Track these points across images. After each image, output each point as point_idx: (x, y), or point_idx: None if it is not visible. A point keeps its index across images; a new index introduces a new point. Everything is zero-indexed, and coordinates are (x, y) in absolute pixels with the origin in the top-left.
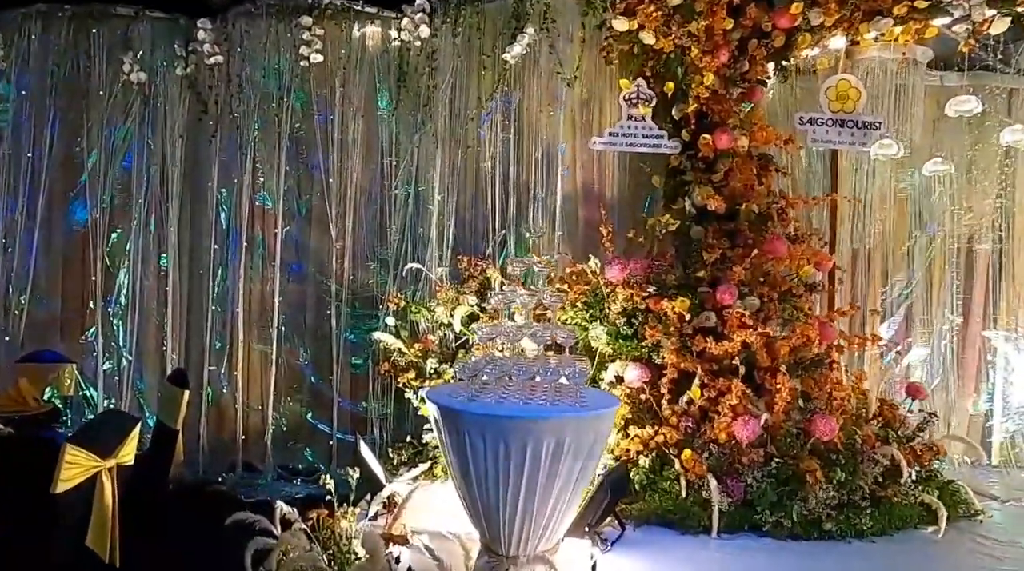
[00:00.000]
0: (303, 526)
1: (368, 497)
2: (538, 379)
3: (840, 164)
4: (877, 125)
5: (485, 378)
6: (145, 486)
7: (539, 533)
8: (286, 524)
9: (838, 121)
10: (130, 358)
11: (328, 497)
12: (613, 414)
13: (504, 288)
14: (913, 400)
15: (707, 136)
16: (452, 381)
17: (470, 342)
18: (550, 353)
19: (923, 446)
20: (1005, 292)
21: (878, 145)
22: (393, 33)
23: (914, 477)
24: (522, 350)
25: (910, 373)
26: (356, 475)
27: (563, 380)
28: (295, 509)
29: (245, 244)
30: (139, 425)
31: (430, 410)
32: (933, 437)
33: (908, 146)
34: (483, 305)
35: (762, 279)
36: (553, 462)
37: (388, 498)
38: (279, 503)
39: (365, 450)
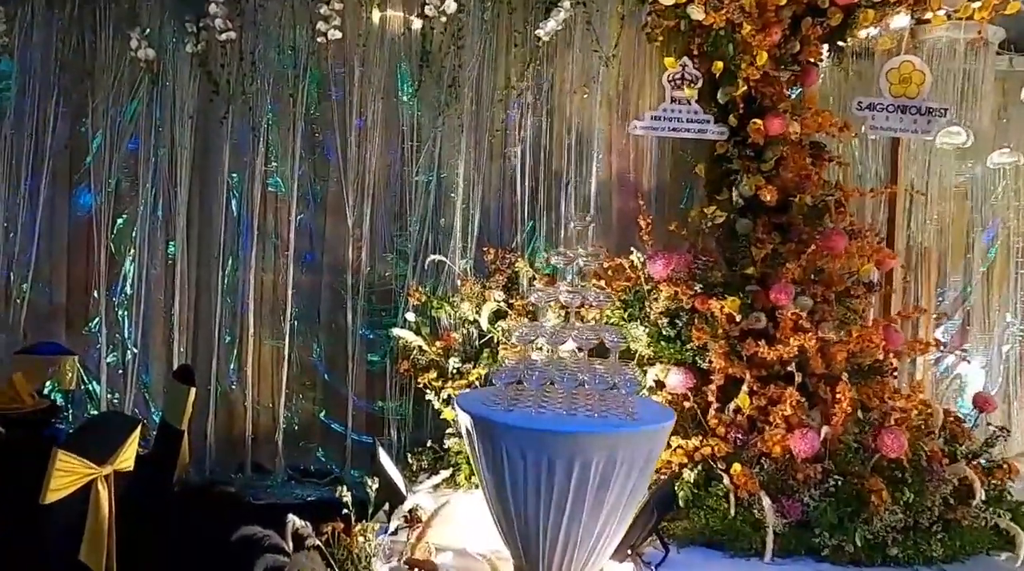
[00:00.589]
0: (317, 542)
1: (386, 507)
2: (586, 387)
3: (899, 154)
4: (943, 112)
5: (524, 384)
6: (147, 492)
7: (584, 558)
8: (298, 540)
9: (900, 107)
10: (135, 351)
11: (345, 511)
12: (669, 429)
13: (536, 283)
14: (981, 412)
15: (758, 121)
16: (478, 384)
17: (495, 340)
18: (586, 356)
19: (993, 464)
20: None
21: (944, 133)
22: (417, 9)
23: (983, 498)
24: (558, 353)
25: (965, 382)
26: (375, 485)
27: (614, 388)
28: (308, 523)
29: (257, 232)
30: (139, 428)
31: (461, 419)
32: (1004, 454)
33: (974, 135)
34: (510, 301)
35: (814, 277)
36: (603, 481)
37: (410, 511)
38: (291, 517)
39: (384, 458)
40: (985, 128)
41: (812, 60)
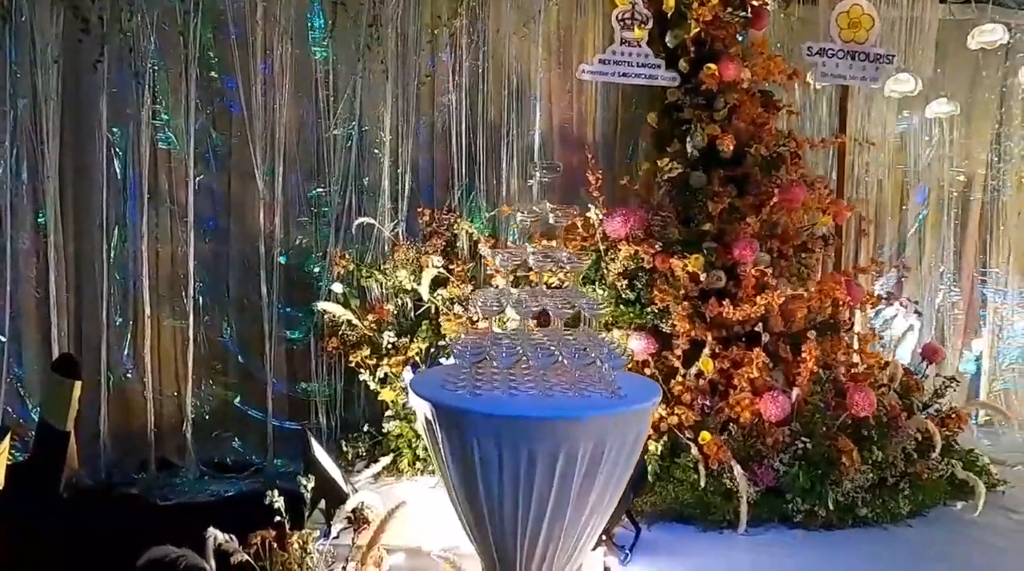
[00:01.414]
0: (246, 556)
1: (323, 506)
2: (564, 362)
3: (848, 103)
4: (890, 58)
5: (490, 362)
6: (27, 504)
7: (566, 556)
8: (223, 558)
9: (849, 53)
10: (3, 339)
11: (277, 517)
12: (656, 405)
13: (482, 246)
14: (930, 363)
15: (712, 66)
16: (418, 360)
17: (435, 311)
18: (561, 327)
19: (945, 414)
20: (997, 243)
21: (892, 80)
22: None
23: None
24: (526, 324)
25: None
26: (309, 483)
27: (598, 363)
28: (232, 537)
29: (148, 196)
30: (7, 438)
31: (418, 407)
32: (954, 403)
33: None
34: (450, 266)
35: (768, 233)
36: (589, 471)
37: (353, 511)
38: (212, 532)
39: (318, 449)
40: (928, 77)
41: (762, 2)
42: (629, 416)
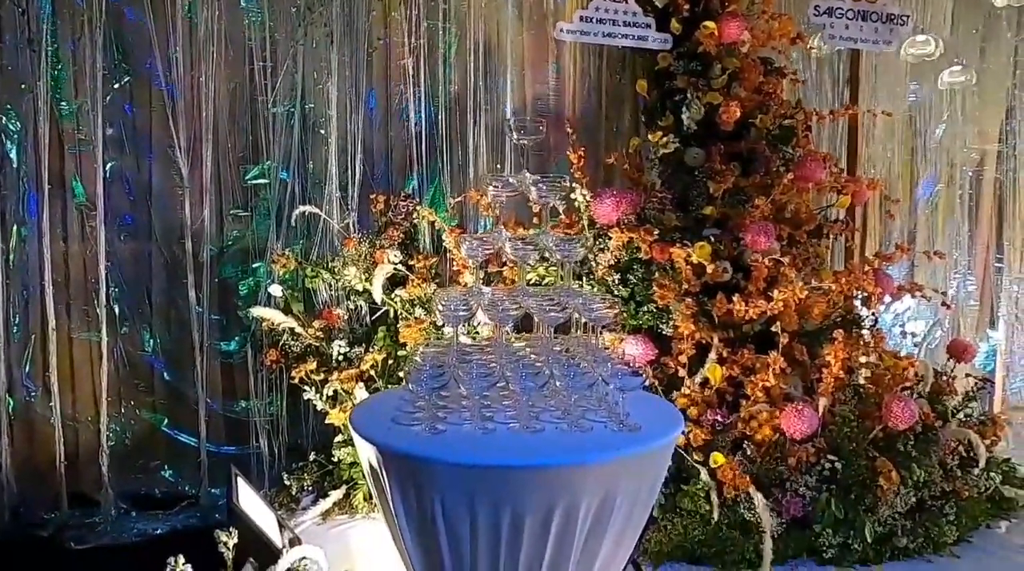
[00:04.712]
0: None
1: (254, 564)
2: (557, 384)
3: (859, 69)
4: (904, 19)
5: (462, 390)
6: None
7: None
8: None
9: (860, 13)
10: None
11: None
12: (676, 439)
13: (445, 237)
14: (958, 362)
15: (710, 24)
16: (373, 374)
17: (393, 315)
18: (551, 337)
19: (984, 422)
20: (1012, 228)
21: (910, 43)
22: None
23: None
24: (506, 334)
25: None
26: (231, 540)
27: (604, 386)
28: None
29: (49, 187)
30: None
31: (362, 451)
32: (988, 409)
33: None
34: (410, 262)
35: (777, 216)
36: (594, 530)
37: None
38: None
39: (247, 495)
40: (946, 40)
41: None
42: (646, 457)
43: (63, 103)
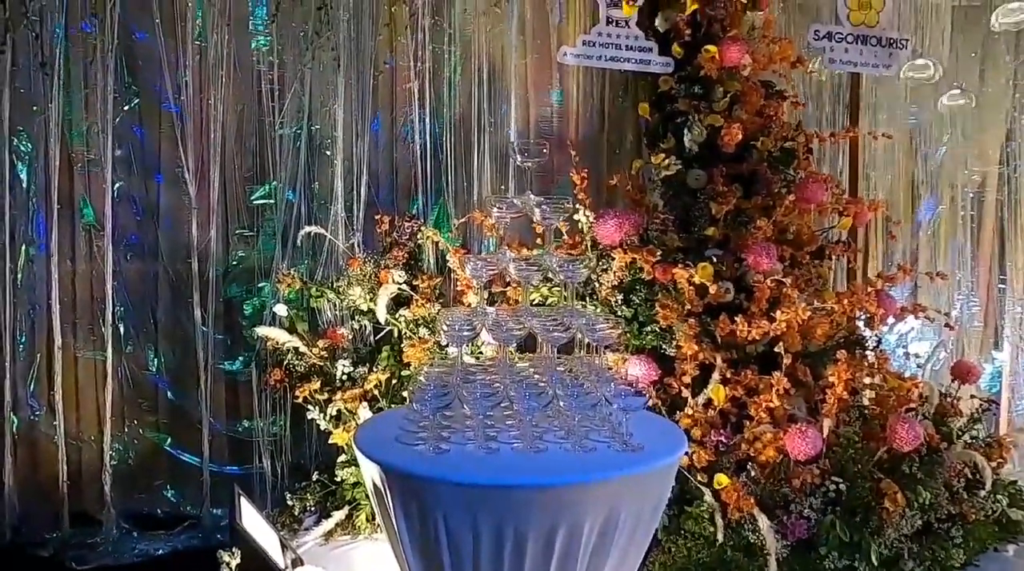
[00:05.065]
0: None
1: None
2: (560, 405)
3: (859, 91)
4: (904, 43)
5: (466, 410)
6: None
7: None
8: None
9: (859, 37)
10: None
11: None
12: (680, 459)
13: (450, 257)
14: (963, 384)
15: (711, 48)
16: (377, 394)
17: (397, 335)
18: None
19: (989, 443)
20: (1015, 249)
21: (909, 67)
22: None
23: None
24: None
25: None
26: (234, 560)
27: (607, 405)
28: None
29: (59, 207)
30: None
31: (366, 471)
32: (993, 431)
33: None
34: (414, 282)
35: (779, 238)
36: (598, 550)
37: None
38: None
39: (250, 515)
40: (945, 63)
41: None
42: (649, 477)
43: (73, 124)
